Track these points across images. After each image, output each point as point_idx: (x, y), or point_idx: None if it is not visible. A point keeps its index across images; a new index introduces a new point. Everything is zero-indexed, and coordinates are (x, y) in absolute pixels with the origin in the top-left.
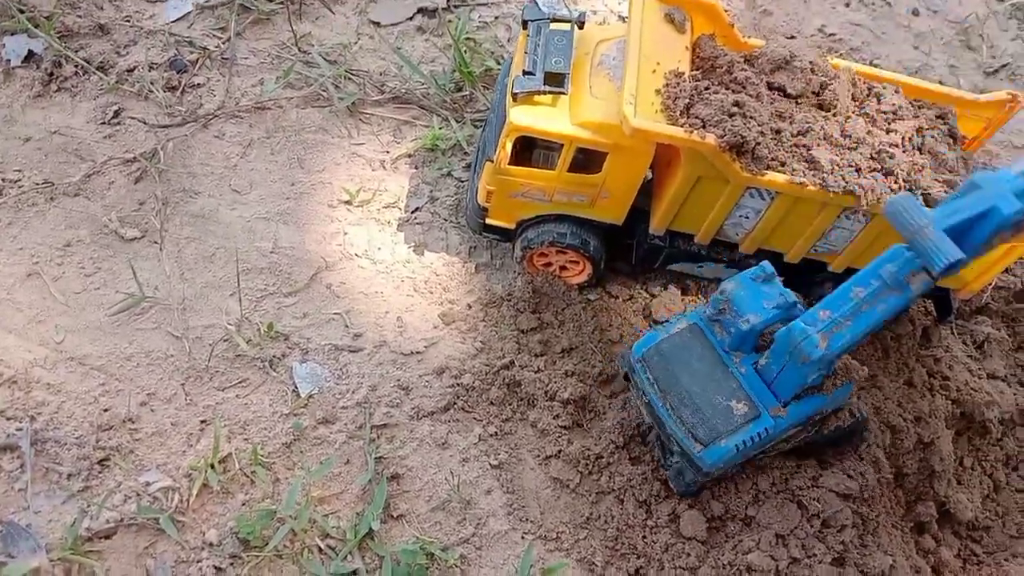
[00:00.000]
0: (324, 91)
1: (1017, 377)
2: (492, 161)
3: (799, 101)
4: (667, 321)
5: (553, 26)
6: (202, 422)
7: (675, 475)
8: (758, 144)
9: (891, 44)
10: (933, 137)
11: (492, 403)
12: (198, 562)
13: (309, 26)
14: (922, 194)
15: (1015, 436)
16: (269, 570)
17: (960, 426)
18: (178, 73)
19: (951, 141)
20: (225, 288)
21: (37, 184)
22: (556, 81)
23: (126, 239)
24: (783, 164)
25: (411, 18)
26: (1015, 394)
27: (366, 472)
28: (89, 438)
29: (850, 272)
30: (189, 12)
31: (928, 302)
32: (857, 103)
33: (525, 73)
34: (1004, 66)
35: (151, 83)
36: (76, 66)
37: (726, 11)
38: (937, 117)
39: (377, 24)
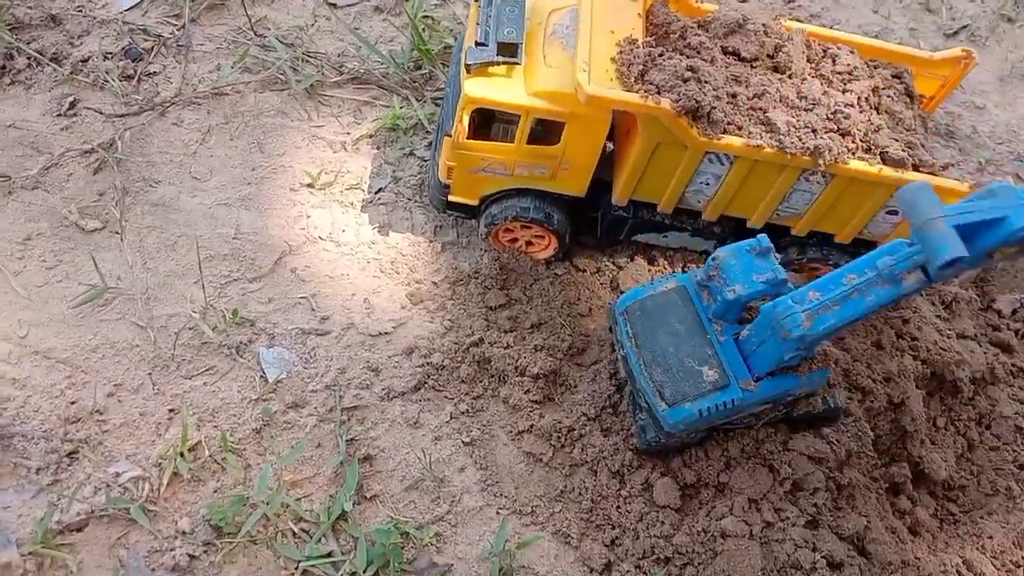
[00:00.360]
0: (282, 74)
1: (987, 336)
2: (451, 136)
3: (754, 64)
4: (656, 279)
5: None
6: (170, 411)
7: (639, 431)
8: (713, 108)
9: (851, 8)
10: (889, 96)
11: (463, 381)
12: (171, 551)
13: (265, 9)
14: (880, 153)
15: (987, 395)
16: (243, 556)
17: (931, 387)
18: (133, 62)
19: (908, 100)
20: (188, 276)
21: None
22: (509, 51)
23: (87, 231)
24: (740, 128)
25: None
26: (985, 353)
27: (338, 454)
28: (57, 431)
29: (813, 236)
30: (142, 0)
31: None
32: (812, 64)
33: (478, 44)
34: (964, 27)
35: (106, 73)
36: (29, 58)
37: None
38: (893, 76)
39: (334, 5)
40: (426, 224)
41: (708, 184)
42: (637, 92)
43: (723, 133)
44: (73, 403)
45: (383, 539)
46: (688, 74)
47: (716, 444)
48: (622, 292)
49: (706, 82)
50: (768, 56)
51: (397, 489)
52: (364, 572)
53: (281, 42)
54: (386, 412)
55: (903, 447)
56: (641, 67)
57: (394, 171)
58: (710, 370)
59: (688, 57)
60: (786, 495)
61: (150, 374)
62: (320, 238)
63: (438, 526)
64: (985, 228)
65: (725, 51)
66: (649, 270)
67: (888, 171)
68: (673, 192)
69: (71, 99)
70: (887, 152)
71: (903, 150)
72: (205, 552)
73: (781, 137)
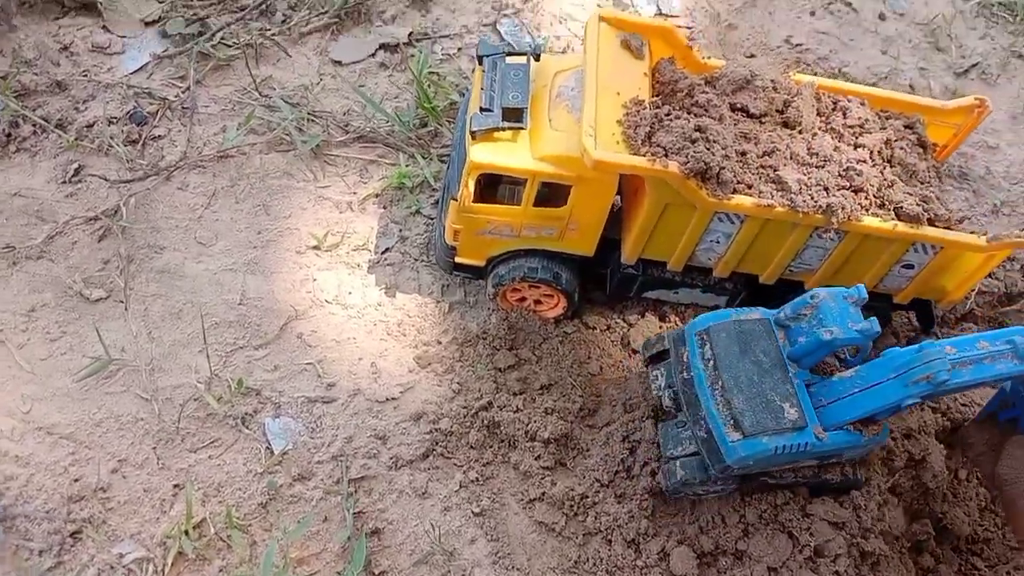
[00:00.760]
0: (287, 135)
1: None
2: (456, 200)
3: (763, 121)
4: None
5: (509, 60)
6: (175, 486)
7: (669, 471)
8: (722, 168)
9: (859, 51)
10: (902, 148)
11: (472, 447)
12: None
13: (270, 69)
14: (894, 208)
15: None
16: None
17: (952, 439)
18: (138, 125)
19: (921, 151)
20: (193, 345)
21: None
22: (514, 116)
23: (91, 300)
24: (750, 187)
25: (373, 55)
26: None
27: (344, 529)
28: (60, 510)
29: None
30: (147, 63)
31: (911, 314)
32: (823, 118)
33: (482, 110)
34: (974, 65)
35: (111, 138)
36: (34, 125)
37: (689, 28)
38: (905, 127)
39: (339, 63)
40: (433, 284)
41: (719, 242)
42: (644, 155)
43: (733, 193)
44: (77, 480)
45: None
46: (696, 135)
47: (734, 510)
48: (634, 350)
49: (714, 141)
50: (777, 112)
51: (406, 564)
52: None
53: (286, 102)
54: (394, 482)
55: (925, 503)
56: (648, 129)
57: (400, 230)
58: (791, 408)
59: (696, 116)
60: (806, 561)
61: (154, 448)
62: (326, 301)
63: None
64: None
65: (733, 108)
66: (660, 326)
67: (903, 227)
68: (683, 251)
69: (76, 165)
70: (901, 207)
71: (918, 204)
72: None
73: (792, 196)
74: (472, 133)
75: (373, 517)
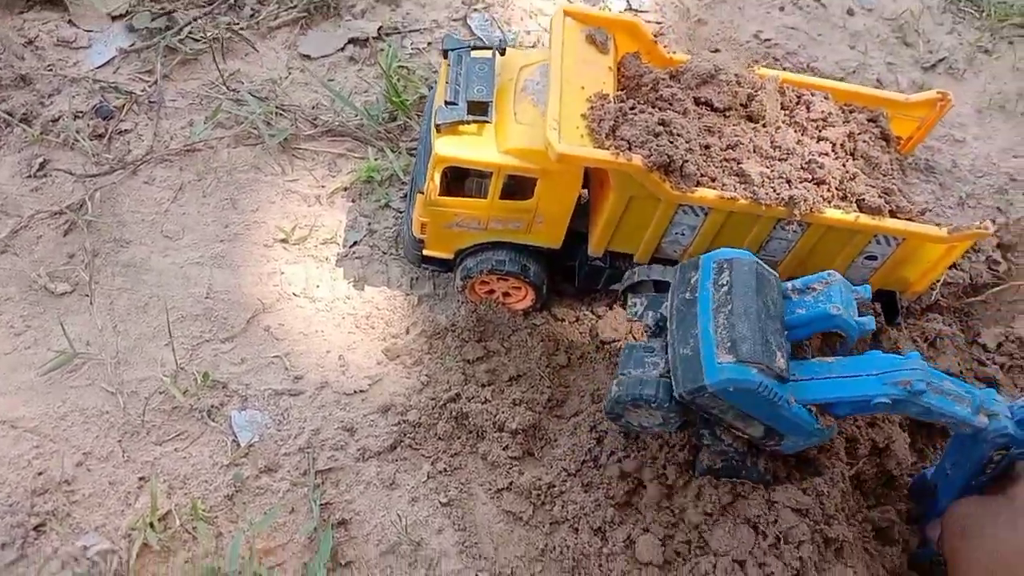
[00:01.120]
0: (255, 129)
1: (973, 371)
2: (423, 193)
3: (727, 115)
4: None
5: (475, 54)
6: (140, 479)
7: (624, 386)
8: (686, 162)
9: (827, 45)
10: (865, 141)
11: (440, 438)
12: None
13: (238, 63)
14: (856, 200)
15: None
16: None
17: (916, 427)
18: (104, 120)
19: (884, 144)
20: (160, 338)
21: None
22: (479, 110)
23: (56, 294)
24: (713, 179)
25: (342, 49)
26: None
27: (311, 520)
28: (23, 504)
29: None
30: (114, 57)
31: (876, 304)
32: (787, 112)
33: (447, 103)
34: (941, 60)
35: (77, 132)
36: None
37: (658, 23)
38: (869, 120)
39: (307, 57)
40: (402, 277)
41: (684, 235)
42: (608, 149)
43: (696, 186)
44: (41, 474)
45: None
46: (660, 128)
47: (697, 499)
48: (603, 341)
49: (678, 135)
50: (741, 105)
51: (373, 554)
52: None
53: (254, 96)
54: (361, 474)
55: (889, 491)
56: (612, 123)
57: (369, 223)
58: (781, 358)
59: (660, 110)
60: (770, 548)
61: (120, 441)
62: (294, 294)
63: None
64: None
65: (698, 102)
66: (629, 318)
67: (865, 218)
68: (649, 243)
69: (41, 160)
70: (863, 199)
71: (880, 196)
72: None
73: (755, 188)
74: (437, 126)
75: (340, 508)
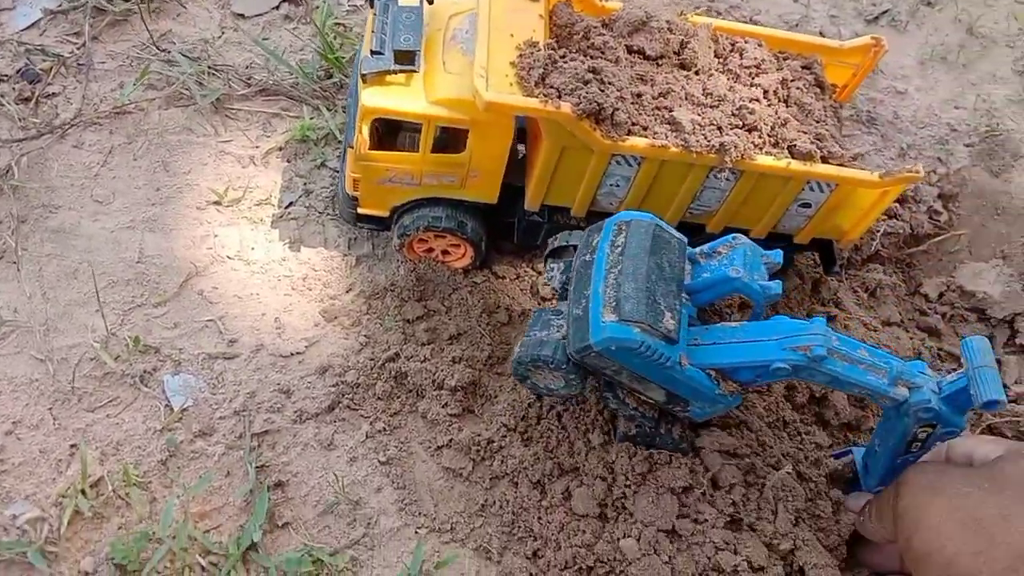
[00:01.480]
0: (186, 90)
1: (915, 321)
2: (353, 147)
3: (660, 63)
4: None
5: (402, 2)
6: (72, 446)
7: (531, 344)
8: (616, 110)
9: None
10: (799, 88)
11: (379, 398)
12: None
13: (170, 23)
14: (788, 147)
15: None
16: None
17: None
18: (30, 83)
19: (819, 91)
20: (90, 305)
21: None
22: (406, 59)
23: None
24: (645, 128)
25: (277, 7)
26: (911, 338)
27: (247, 483)
28: None
29: (728, 232)
30: (40, 19)
31: (815, 254)
32: (720, 60)
33: (373, 53)
34: (884, 12)
35: (1, 96)
36: None
37: None
38: (803, 68)
39: (241, 16)
40: (339, 238)
41: (618, 186)
42: (537, 97)
43: (628, 134)
44: None
45: (295, 568)
46: (589, 76)
47: (627, 455)
48: (543, 298)
49: (609, 83)
50: (674, 53)
51: (310, 515)
52: None
53: (186, 56)
54: (298, 436)
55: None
56: (541, 71)
57: (305, 184)
58: (671, 319)
59: (592, 58)
60: (703, 495)
61: (50, 409)
62: (228, 257)
63: (354, 550)
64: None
65: (630, 50)
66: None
67: (796, 164)
68: (584, 196)
69: None
70: (795, 145)
71: (812, 142)
72: None
73: (686, 136)
74: (363, 76)
75: (277, 470)
